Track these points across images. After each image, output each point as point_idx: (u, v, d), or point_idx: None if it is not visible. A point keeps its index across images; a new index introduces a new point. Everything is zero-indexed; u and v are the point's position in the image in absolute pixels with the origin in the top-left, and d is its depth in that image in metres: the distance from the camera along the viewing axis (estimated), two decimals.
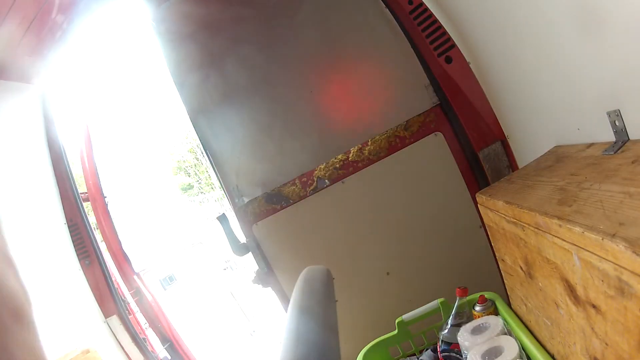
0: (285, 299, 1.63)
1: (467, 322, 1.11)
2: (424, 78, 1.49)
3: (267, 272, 1.62)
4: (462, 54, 1.46)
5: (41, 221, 1.99)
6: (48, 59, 1.89)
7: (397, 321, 1.28)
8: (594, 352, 0.64)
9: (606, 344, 0.58)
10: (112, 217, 3.07)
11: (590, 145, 0.88)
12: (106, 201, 3.03)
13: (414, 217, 1.54)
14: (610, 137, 0.80)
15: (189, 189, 25.71)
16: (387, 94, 1.54)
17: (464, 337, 1.05)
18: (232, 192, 1.61)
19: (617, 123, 0.77)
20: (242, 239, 1.65)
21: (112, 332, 2.13)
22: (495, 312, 1.14)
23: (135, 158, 3.56)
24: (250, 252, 1.63)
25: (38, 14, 1.51)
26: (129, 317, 2.21)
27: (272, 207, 1.59)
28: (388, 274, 1.56)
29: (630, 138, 0.75)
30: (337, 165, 1.55)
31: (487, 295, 1.18)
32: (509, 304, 1.14)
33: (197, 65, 1.62)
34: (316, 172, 1.56)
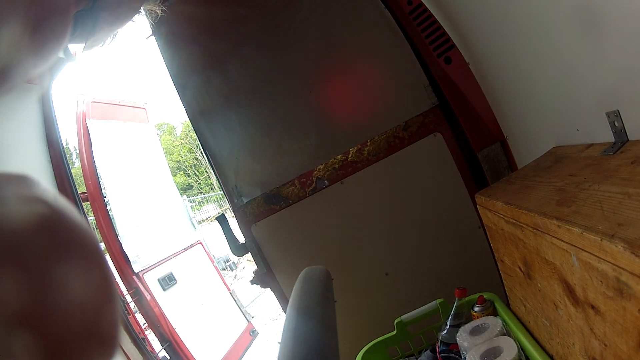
0: (284, 300, 1.63)
1: (466, 323, 1.11)
2: (423, 78, 1.49)
3: (266, 272, 1.62)
4: (461, 54, 1.46)
5: None
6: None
7: (396, 322, 1.28)
8: (592, 352, 0.64)
9: (605, 344, 0.58)
10: (111, 217, 3.07)
11: (590, 145, 0.89)
12: (106, 201, 3.03)
13: (413, 218, 1.54)
14: (609, 137, 0.80)
15: (188, 189, 25.72)
16: (386, 94, 1.54)
17: (462, 337, 1.05)
18: (231, 193, 1.61)
19: (616, 124, 0.77)
20: (241, 239, 1.65)
21: None
22: (494, 313, 1.14)
23: (135, 158, 3.57)
24: (249, 252, 1.63)
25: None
26: (128, 317, 2.20)
27: (271, 207, 1.59)
28: (387, 274, 1.56)
29: (629, 139, 0.75)
30: (336, 166, 1.55)
31: (486, 295, 1.18)
32: (507, 305, 1.14)
33: (198, 67, 1.62)
34: (315, 172, 1.56)
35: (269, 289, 1.66)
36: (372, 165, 1.53)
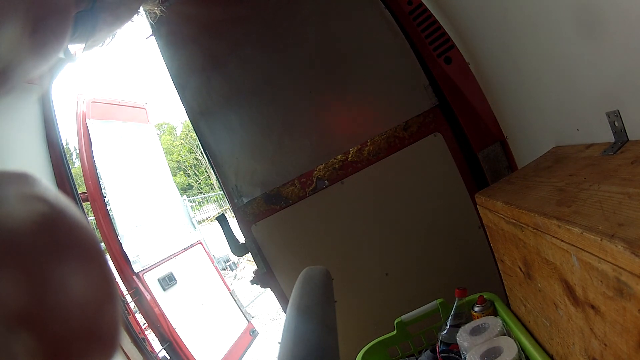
0: (284, 300, 1.63)
1: (466, 323, 1.11)
2: (424, 78, 1.49)
3: (266, 272, 1.62)
4: (461, 54, 1.46)
5: None
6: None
7: (396, 322, 1.28)
8: (592, 352, 0.64)
9: (605, 344, 0.58)
10: (111, 217, 3.07)
11: (590, 145, 0.89)
12: (106, 201, 3.03)
13: (413, 218, 1.54)
14: (609, 137, 0.80)
15: (189, 189, 25.73)
16: (386, 94, 1.54)
17: (462, 337, 1.05)
18: (231, 193, 1.61)
19: (616, 124, 0.77)
20: (241, 239, 1.65)
21: None
22: (494, 313, 1.14)
23: (135, 158, 3.58)
24: (249, 252, 1.63)
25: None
26: (128, 317, 2.20)
27: (271, 207, 1.59)
28: (387, 274, 1.56)
29: (629, 139, 0.75)
30: (337, 166, 1.55)
31: (486, 295, 1.18)
32: (508, 305, 1.14)
33: (198, 67, 1.62)
34: (315, 172, 1.56)
35: (269, 289, 1.66)
36: (372, 165, 1.53)
